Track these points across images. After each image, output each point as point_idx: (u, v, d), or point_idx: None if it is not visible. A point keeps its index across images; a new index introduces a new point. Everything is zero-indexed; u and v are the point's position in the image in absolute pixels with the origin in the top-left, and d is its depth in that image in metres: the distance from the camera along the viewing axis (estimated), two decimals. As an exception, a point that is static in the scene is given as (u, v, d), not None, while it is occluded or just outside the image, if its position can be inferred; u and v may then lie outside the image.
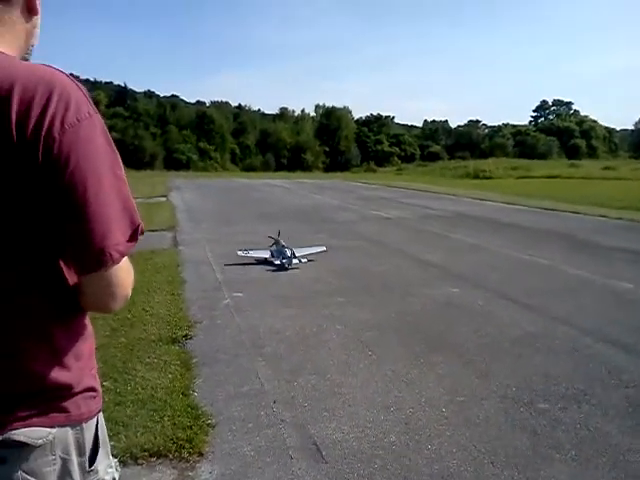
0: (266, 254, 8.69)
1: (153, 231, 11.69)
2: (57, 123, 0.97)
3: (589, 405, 3.71)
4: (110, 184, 1.05)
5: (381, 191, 26.66)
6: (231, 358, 4.55)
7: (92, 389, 1.17)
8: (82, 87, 1.06)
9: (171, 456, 3.01)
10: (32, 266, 1.05)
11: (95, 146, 1.03)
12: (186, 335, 5.04)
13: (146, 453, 3.01)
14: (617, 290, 6.91)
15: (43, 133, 0.95)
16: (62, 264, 1.08)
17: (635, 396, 3.85)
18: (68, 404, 1.10)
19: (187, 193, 23.69)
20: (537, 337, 5.10)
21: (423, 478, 2.86)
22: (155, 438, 3.14)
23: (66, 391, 1.10)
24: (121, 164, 1.09)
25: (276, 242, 8.81)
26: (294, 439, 3.24)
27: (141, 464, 2.94)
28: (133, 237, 1.10)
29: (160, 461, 2.98)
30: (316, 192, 25.52)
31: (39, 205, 1.00)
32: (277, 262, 8.35)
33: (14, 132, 0.94)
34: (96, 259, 1.03)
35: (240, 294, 6.61)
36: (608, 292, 6.83)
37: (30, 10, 1.14)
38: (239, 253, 8.67)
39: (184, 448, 3.06)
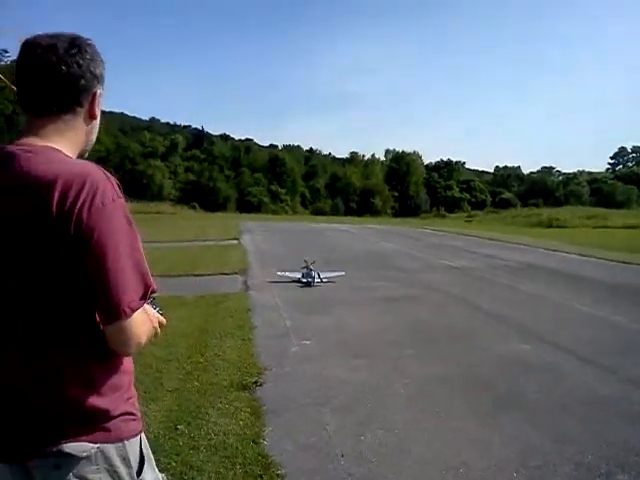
0: (298, 275, 11.32)
1: (225, 274, 12.10)
2: (86, 206, 1.30)
3: (671, 480, 3.55)
4: (126, 254, 1.36)
5: (450, 239, 26.39)
6: (299, 407, 4.63)
7: (130, 413, 1.49)
8: (112, 178, 1.39)
9: (243, 505, 3.11)
10: (73, 319, 1.38)
11: (115, 225, 1.35)
12: (256, 382, 5.16)
13: (219, 500, 3.12)
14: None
15: (75, 213, 1.29)
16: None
17: None
18: (109, 425, 1.42)
19: (258, 236, 24.29)
20: (613, 401, 4.91)
21: None
22: (228, 486, 3.26)
23: (105, 415, 1.41)
24: (138, 238, 1.41)
25: (307, 267, 11.29)
26: (362, 495, 3.28)
27: (214, 511, 3.06)
28: (145, 296, 1.41)
29: (232, 509, 3.08)
30: (384, 239, 25.56)
31: (71, 270, 1.33)
32: (304, 280, 11.06)
33: (54, 210, 1.29)
34: (112, 313, 1.34)
35: (308, 342, 6.72)
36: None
37: (91, 116, 1.53)
38: (278, 273, 11.65)
39: (256, 497, 3.15)
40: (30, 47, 1.43)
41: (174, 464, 3.50)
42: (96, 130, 1.57)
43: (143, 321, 1.43)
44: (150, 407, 4.43)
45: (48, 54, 1.41)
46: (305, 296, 9.80)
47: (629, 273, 14.12)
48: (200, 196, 62.97)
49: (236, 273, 12.34)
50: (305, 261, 11.53)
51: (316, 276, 11.12)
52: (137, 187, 60.55)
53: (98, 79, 1.51)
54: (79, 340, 1.39)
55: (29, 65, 1.43)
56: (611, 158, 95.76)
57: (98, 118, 1.55)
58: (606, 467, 3.68)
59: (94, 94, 1.50)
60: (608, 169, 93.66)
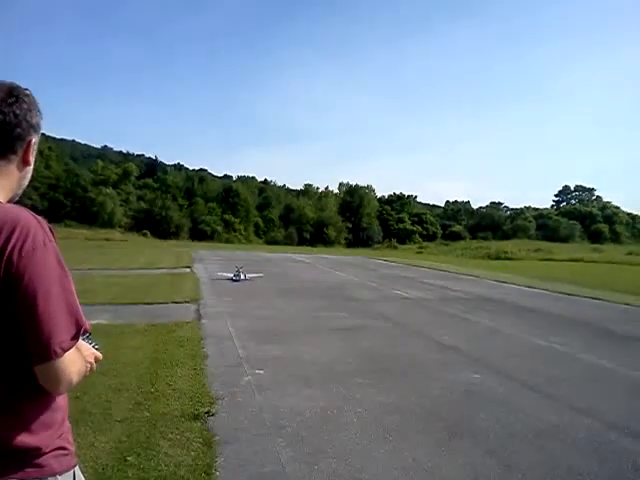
0: (231, 275, 17.40)
1: (177, 303, 11.91)
2: (16, 251, 1.33)
3: (614, 503, 3.66)
4: (58, 296, 1.38)
5: (402, 270, 26.75)
6: (252, 437, 4.57)
7: (63, 448, 1.49)
8: (43, 222, 1.42)
9: (193, 537, 3.04)
10: (3, 358, 1.37)
11: (46, 268, 1.37)
12: (208, 412, 5.07)
13: (169, 533, 3.04)
14: (642, 383, 6.82)
15: (5, 257, 1.32)
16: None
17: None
18: (40, 461, 1.42)
19: (210, 265, 24.02)
20: (559, 429, 5.05)
21: None
22: (178, 518, 3.18)
23: (36, 452, 1.41)
24: (70, 279, 1.43)
25: (237, 271, 17.39)
26: (315, 525, 3.25)
27: None
28: (76, 336, 1.43)
29: (183, 542, 3.01)
30: (338, 269, 25.68)
31: (3, 311, 1.33)
32: (235, 278, 17.05)
33: None
34: (43, 354, 1.35)
35: (261, 371, 6.66)
36: (632, 384, 6.73)
37: (25, 163, 1.56)
38: (217, 274, 18.60)
39: (207, 529, 3.08)
40: None
41: (123, 496, 3.40)
42: (29, 176, 1.61)
43: (75, 360, 1.44)
44: (98, 438, 4.29)
45: None
46: (259, 326, 9.72)
47: (574, 305, 14.58)
48: (152, 224, 62.18)
49: (188, 302, 12.15)
50: (237, 267, 17.84)
51: (242, 276, 17.26)
52: (88, 214, 59.53)
53: (34, 128, 1.55)
54: (10, 379, 1.39)
55: None
56: (555, 195, 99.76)
57: (32, 165, 1.60)
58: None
59: (29, 142, 1.54)
60: (553, 205, 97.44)
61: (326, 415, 5.23)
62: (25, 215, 1.39)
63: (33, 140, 1.56)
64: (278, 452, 4.29)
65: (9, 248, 1.32)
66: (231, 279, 16.96)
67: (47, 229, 1.41)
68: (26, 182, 1.61)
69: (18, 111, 1.49)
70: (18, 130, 1.49)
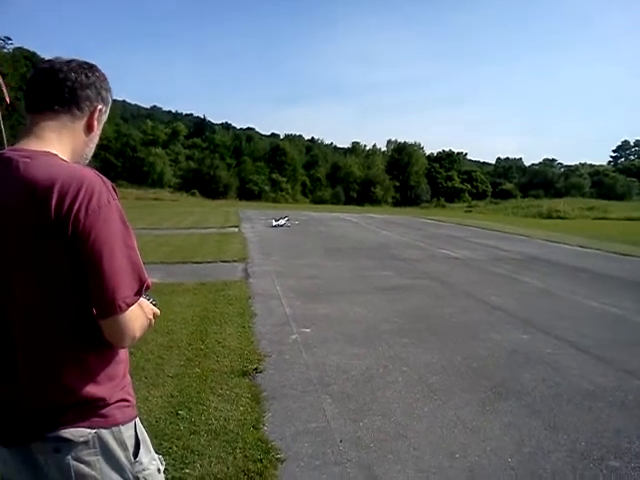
0: (276, 223, 23.19)
1: (226, 262, 12.14)
2: (82, 209, 1.38)
3: (663, 467, 3.61)
4: (122, 253, 1.44)
5: (450, 229, 26.42)
6: (299, 394, 4.69)
7: (125, 400, 1.58)
8: (107, 181, 1.47)
9: (242, 487, 3.17)
10: (71, 313, 1.45)
11: (110, 225, 1.43)
12: (256, 368, 5.22)
13: (219, 483, 3.18)
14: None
15: (72, 215, 1.37)
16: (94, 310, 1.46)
17: None
18: (105, 411, 1.51)
19: (258, 224, 24.30)
20: (609, 391, 4.98)
21: (486, 529, 2.89)
22: (228, 469, 3.32)
23: (101, 402, 1.50)
24: (133, 237, 1.48)
25: (279, 219, 23.74)
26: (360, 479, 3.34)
27: (214, 493, 3.12)
28: (139, 292, 1.49)
29: (232, 491, 3.14)
30: (385, 228, 25.57)
31: (69, 268, 1.41)
32: (279, 224, 23.02)
33: (53, 213, 1.36)
34: (108, 309, 1.42)
35: (308, 330, 6.77)
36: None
37: (90, 128, 1.62)
38: (273, 222, 23.58)
39: (255, 480, 3.22)
40: (46, 63, 1.55)
41: (175, 448, 3.57)
42: (94, 145, 1.67)
43: (138, 316, 1.52)
44: (152, 392, 4.49)
45: (61, 65, 1.55)
46: (305, 285, 9.84)
47: (629, 265, 14.15)
48: (201, 184, 63.10)
49: (236, 261, 12.37)
50: (281, 218, 24.06)
51: (284, 222, 23.43)
52: (138, 174, 60.79)
53: (102, 98, 1.63)
54: (77, 333, 1.47)
55: (41, 74, 1.55)
56: (613, 151, 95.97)
57: (97, 133, 1.66)
58: (599, 453, 3.77)
59: (95, 107, 1.61)
60: (610, 162, 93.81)
61: (371, 373, 5.30)
62: (90, 174, 1.44)
63: (102, 108, 1.63)
64: (324, 408, 4.40)
65: (76, 207, 1.37)
66: (272, 225, 22.95)
67: (110, 188, 1.47)
68: (90, 151, 1.67)
69: (90, 75, 1.59)
70: (88, 91, 1.58)
